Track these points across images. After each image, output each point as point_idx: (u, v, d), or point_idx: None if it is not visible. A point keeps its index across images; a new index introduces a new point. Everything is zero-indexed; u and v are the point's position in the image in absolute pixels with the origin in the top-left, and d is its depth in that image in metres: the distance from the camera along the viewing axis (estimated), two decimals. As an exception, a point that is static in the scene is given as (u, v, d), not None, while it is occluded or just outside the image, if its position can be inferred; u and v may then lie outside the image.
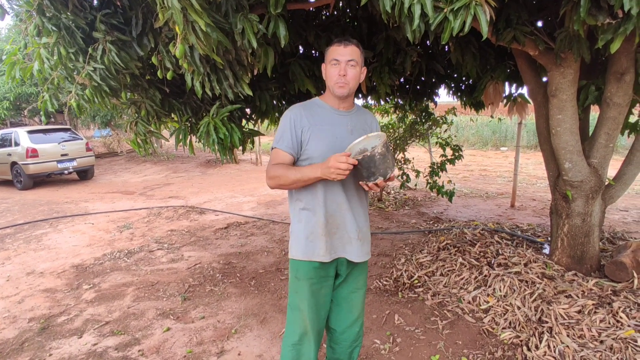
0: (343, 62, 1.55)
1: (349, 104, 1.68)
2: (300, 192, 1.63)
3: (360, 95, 4.11)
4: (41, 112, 2.64)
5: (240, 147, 2.74)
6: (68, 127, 10.82)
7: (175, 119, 2.98)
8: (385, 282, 3.26)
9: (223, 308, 3.03)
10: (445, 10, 1.62)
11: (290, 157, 1.59)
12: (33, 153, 8.50)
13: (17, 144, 8.67)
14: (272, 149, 1.64)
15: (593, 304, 2.45)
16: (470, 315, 2.68)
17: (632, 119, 3.07)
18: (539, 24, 2.80)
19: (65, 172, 9.08)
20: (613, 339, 2.18)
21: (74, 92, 2.42)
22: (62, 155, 8.93)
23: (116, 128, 14.66)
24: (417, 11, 1.63)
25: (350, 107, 1.69)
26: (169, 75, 2.31)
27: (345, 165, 1.39)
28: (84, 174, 9.66)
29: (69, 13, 2.18)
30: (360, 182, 1.49)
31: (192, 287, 3.41)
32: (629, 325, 2.26)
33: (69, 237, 5.01)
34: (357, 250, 1.65)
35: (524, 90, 3.58)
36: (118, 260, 4.13)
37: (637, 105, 3.00)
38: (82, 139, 9.70)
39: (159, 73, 2.35)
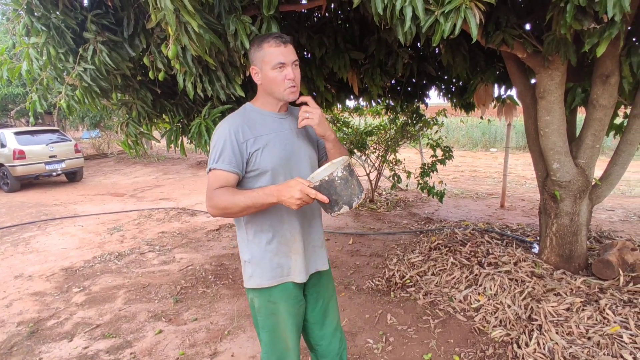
0: (290, 65, 1.40)
1: (286, 105, 1.52)
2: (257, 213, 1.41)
3: (352, 97, 4.13)
4: (29, 113, 2.61)
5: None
6: (56, 128, 10.64)
7: (167, 120, 2.97)
8: (377, 282, 3.28)
9: (216, 310, 3.02)
10: (436, 13, 1.64)
11: (235, 176, 1.36)
12: (20, 155, 8.35)
13: (3, 146, 8.51)
14: (209, 171, 1.38)
15: (581, 302, 2.50)
16: (462, 314, 2.72)
17: (617, 120, 3.14)
18: (527, 27, 2.85)
19: (54, 174, 8.93)
20: (600, 335, 2.23)
21: (63, 93, 2.39)
22: (50, 156, 8.78)
23: (105, 129, 14.50)
24: (408, 14, 1.65)
25: (287, 108, 1.54)
26: (160, 76, 2.30)
27: (300, 194, 1.22)
28: (73, 176, 9.52)
29: (58, 13, 2.15)
30: (329, 213, 1.29)
31: (184, 289, 3.39)
32: (615, 322, 2.31)
33: (58, 240, 4.94)
34: (324, 258, 1.58)
35: (513, 92, 3.64)
36: (108, 262, 4.08)
37: (622, 107, 3.07)
38: (70, 140, 9.55)
39: (150, 74, 2.33)
